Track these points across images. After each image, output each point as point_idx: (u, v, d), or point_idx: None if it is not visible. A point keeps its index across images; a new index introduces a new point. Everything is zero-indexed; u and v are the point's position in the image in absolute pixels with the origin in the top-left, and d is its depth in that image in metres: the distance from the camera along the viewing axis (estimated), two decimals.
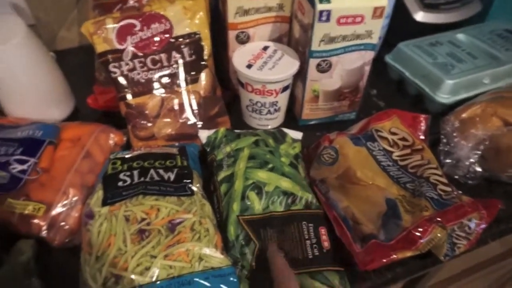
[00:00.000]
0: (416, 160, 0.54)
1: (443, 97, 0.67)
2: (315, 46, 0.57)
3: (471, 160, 0.58)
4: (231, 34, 0.63)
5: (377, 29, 0.57)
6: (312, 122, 0.68)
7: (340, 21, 0.55)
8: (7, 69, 0.56)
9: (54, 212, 0.48)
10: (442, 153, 0.59)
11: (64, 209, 0.48)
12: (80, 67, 0.72)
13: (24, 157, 0.51)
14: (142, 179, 0.46)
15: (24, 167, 0.50)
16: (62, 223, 0.47)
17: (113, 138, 0.56)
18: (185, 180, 0.48)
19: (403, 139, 0.57)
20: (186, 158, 0.52)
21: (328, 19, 0.54)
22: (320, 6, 0.52)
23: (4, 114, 0.61)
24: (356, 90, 0.65)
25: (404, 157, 0.55)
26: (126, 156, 0.51)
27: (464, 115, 0.61)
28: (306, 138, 0.61)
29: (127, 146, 0.59)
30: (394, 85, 0.76)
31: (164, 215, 0.43)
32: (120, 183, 0.46)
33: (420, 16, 0.78)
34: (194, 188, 0.47)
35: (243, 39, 0.64)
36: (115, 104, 0.60)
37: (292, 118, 0.69)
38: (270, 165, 0.52)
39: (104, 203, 0.44)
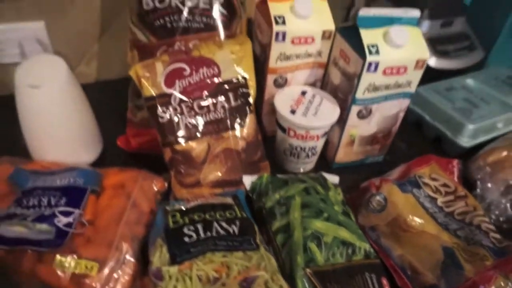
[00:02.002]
0: (461, 206, 0.56)
1: (465, 140, 0.71)
2: (359, 94, 0.58)
3: (503, 204, 0.60)
4: (270, 78, 0.63)
5: (416, 79, 0.59)
6: (342, 165, 0.69)
7: (386, 72, 0.56)
8: (46, 111, 0.53)
9: (108, 270, 0.44)
10: (478, 198, 0.61)
11: (117, 266, 0.45)
12: (97, 103, 0.68)
13: (68, 209, 0.47)
14: (208, 234, 0.44)
15: (70, 219, 0.46)
16: (116, 283, 0.44)
17: (156, 184, 0.54)
18: (249, 233, 0.46)
19: (445, 185, 0.58)
20: (243, 207, 0.50)
21: (375, 70, 0.55)
22: (370, 58, 0.54)
23: (30, 158, 0.57)
24: (388, 135, 0.66)
25: (448, 203, 0.57)
26: (183, 207, 0.48)
27: (490, 158, 0.65)
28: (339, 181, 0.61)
29: (167, 193, 0.56)
30: (412, 127, 0.79)
31: (236, 273, 0.41)
32: (186, 239, 0.43)
33: (433, 61, 0.83)
34: (258, 241, 0.46)
35: (280, 83, 0.64)
36: (151, 146, 0.58)
37: (320, 160, 0.69)
38: (326, 214, 0.52)
39: (173, 261, 0.41)
